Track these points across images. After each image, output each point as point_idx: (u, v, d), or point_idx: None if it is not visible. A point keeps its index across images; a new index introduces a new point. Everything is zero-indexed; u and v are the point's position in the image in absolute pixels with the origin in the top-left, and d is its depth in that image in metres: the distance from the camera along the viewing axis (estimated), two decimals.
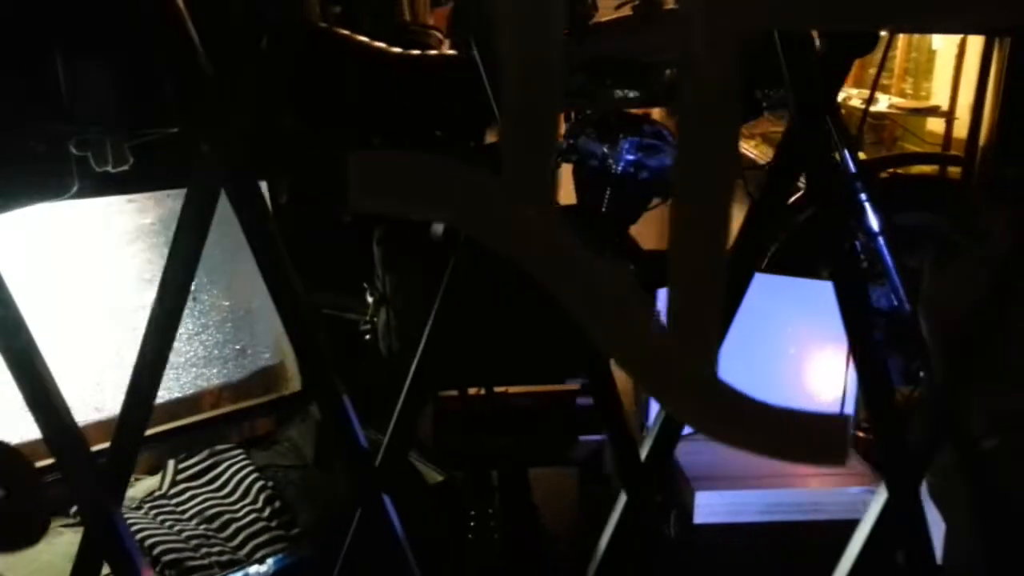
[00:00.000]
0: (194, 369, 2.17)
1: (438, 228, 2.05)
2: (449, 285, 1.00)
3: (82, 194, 1.39)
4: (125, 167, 1.29)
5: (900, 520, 1.06)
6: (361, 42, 2.44)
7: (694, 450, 1.90)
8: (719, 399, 0.50)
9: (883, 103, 4.71)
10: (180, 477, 2.02)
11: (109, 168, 1.27)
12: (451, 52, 2.64)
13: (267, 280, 1.00)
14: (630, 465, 1.02)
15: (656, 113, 3.01)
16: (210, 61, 0.90)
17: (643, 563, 1.08)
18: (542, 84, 0.47)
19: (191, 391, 2.17)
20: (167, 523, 1.87)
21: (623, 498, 1.04)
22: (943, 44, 4.84)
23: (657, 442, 1.01)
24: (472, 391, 2.14)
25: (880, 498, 1.04)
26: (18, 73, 1.18)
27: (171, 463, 2.05)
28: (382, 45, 2.48)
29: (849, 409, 2.13)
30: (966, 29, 3.74)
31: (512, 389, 2.18)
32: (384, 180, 0.47)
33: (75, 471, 1.04)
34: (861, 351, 1.02)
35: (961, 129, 4.21)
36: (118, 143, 1.24)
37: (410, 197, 0.48)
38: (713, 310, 0.48)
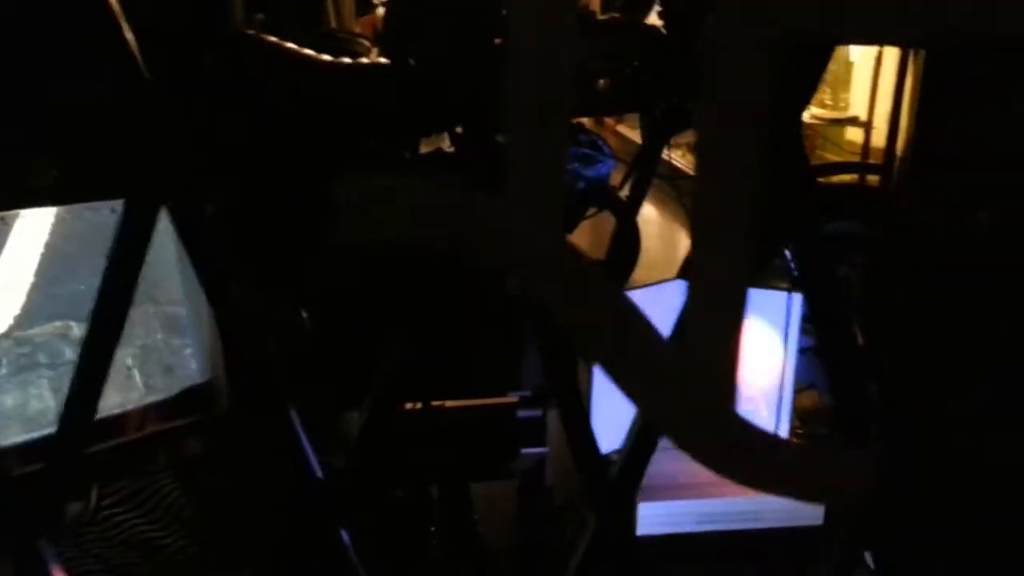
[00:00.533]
0: (119, 387, 2.08)
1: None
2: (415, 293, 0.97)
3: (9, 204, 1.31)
4: (49, 182, 1.22)
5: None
6: (290, 49, 2.38)
7: None
8: (735, 437, 0.48)
9: (804, 114, 4.82)
10: (106, 502, 1.94)
11: (34, 182, 1.20)
12: (383, 60, 2.60)
13: (209, 297, 0.96)
14: (600, 488, 1.01)
15: (587, 122, 3.02)
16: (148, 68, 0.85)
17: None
18: (552, 96, 0.44)
19: (116, 411, 2.07)
20: (94, 551, 1.79)
21: (592, 522, 1.03)
22: (860, 56, 4.99)
23: (627, 464, 0.99)
24: (408, 405, 2.11)
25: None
26: None
27: (95, 488, 1.96)
28: (311, 52, 2.43)
29: (785, 415, 2.17)
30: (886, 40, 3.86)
31: (450, 402, 2.15)
32: (378, 206, 0.44)
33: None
34: (834, 354, 1.02)
35: (879, 138, 4.35)
36: (44, 158, 1.17)
37: (406, 223, 0.45)
38: (734, 342, 0.47)
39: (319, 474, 0.97)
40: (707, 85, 0.47)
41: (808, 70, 0.93)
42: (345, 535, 0.99)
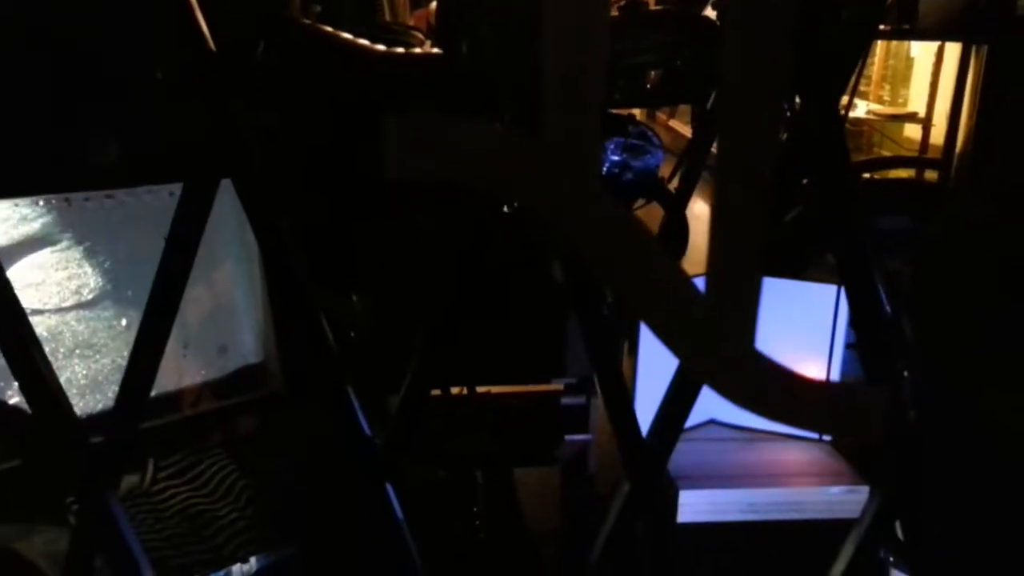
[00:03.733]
0: (175, 367, 2.15)
1: (426, 224, 2.05)
2: (459, 280, 1.00)
3: (66, 187, 1.37)
4: (112, 158, 1.27)
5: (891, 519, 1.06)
6: (345, 39, 2.43)
7: (678, 449, 1.91)
8: (758, 373, 0.50)
9: (861, 109, 4.77)
10: (162, 475, 2.00)
11: (95, 159, 1.25)
12: (435, 51, 2.64)
13: (269, 269, 1.00)
14: (635, 452, 1.02)
15: (638, 114, 3.02)
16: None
17: (653, 550, 1.08)
18: (589, 41, 0.46)
19: (172, 388, 2.14)
20: (148, 521, 1.85)
21: (626, 486, 1.04)
22: (920, 51, 4.90)
23: (660, 429, 1.01)
24: (455, 390, 2.14)
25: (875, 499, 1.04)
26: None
27: (152, 461, 2.02)
28: (366, 42, 2.48)
29: None
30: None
31: (496, 389, 2.17)
32: (423, 143, 0.46)
33: (73, 457, 1.03)
34: (871, 346, 1.02)
35: (938, 135, 4.27)
36: (105, 134, 1.22)
37: (449, 162, 0.47)
38: (754, 284, 0.48)
39: (368, 433, 1.00)
40: (723, 63, 0.49)
41: (842, 57, 0.92)
42: (391, 491, 1.02)
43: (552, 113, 0.48)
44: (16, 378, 1.00)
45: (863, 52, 0.99)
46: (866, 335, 1.01)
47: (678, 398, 1.00)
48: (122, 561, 1.05)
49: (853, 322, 1.03)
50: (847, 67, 0.97)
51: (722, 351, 0.49)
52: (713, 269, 0.47)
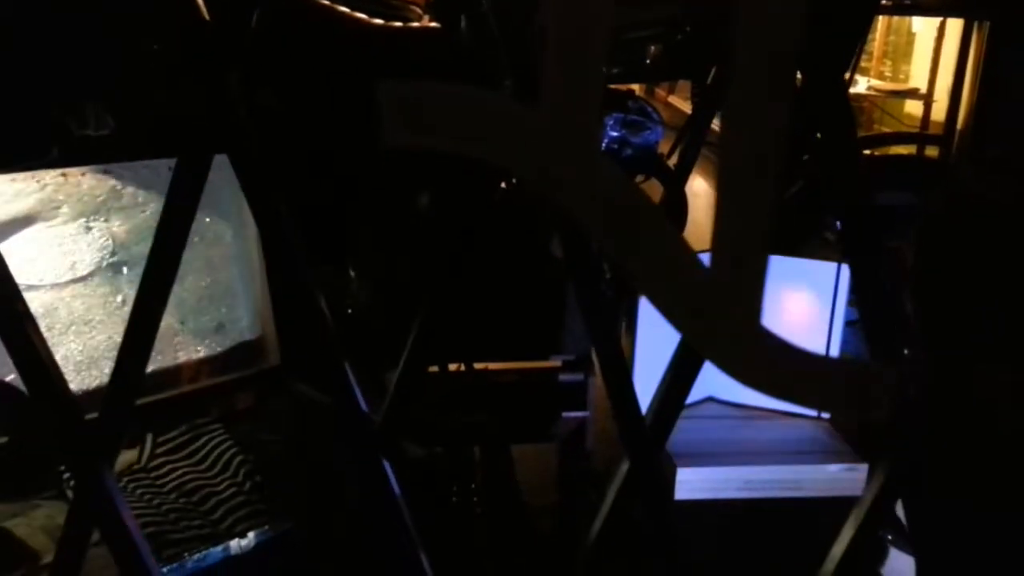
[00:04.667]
0: (172, 343, 2.14)
1: (423, 200, 2.04)
2: (454, 255, 0.99)
3: (61, 162, 1.36)
4: (106, 132, 1.26)
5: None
6: (343, 12, 2.40)
7: (676, 426, 1.91)
8: (765, 350, 0.49)
9: (862, 85, 4.74)
10: (159, 451, 2.00)
11: (90, 132, 1.24)
12: (434, 24, 2.61)
13: (266, 245, 0.99)
14: (634, 429, 1.02)
15: (637, 89, 2.99)
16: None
17: (654, 529, 1.08)
18: (592, 6, 0.45)
19: (169, 365, 2.14)
20: (146, 496, 1.85)
21: (625, 464, 1.04)
22: (922, 27, 4.87)
23: (661, 406, 1.00)
24: (452, 367, 2.13)
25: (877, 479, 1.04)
26: None
27: (149, 437, 2.02)
28: (363, 16, 2.45)
29: None
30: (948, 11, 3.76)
31: (493, 365, 2.17)
32: (419, 113, 0.45)
33: (66, 433, 1.02)
34: (877, 326, 1.00)
35: (939, 111, 4.25)
36: (99, 107, 1.20)
37: (446, 131, 0.46)
38: (760, 259, 0.47)
39: (364, 408, 0.99)
40: (736, 30, 0.47)
41: (847, 29, 0.90)
42: (388, 466, 1.02)
43: (553, 80, 0.46)
44: (11, 355, 0.99)
45: (869, 25, 0.98)
46: (871, 312, 1.00)
47: (679, 376, 0.99)
48: (118, 537, 1.04)
49: (858, 299, 1.02)
50: (853, 41, 0.96)
51: (728, 328, 0.48)
52: (719, 245, 0.46)
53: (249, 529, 1.77)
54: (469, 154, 0.51)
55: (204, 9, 0.88)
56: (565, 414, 2.18)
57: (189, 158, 1.00)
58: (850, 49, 0.94)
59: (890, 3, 3.68)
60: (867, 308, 1.00)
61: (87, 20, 1.17)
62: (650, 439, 1.00)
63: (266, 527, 1.79)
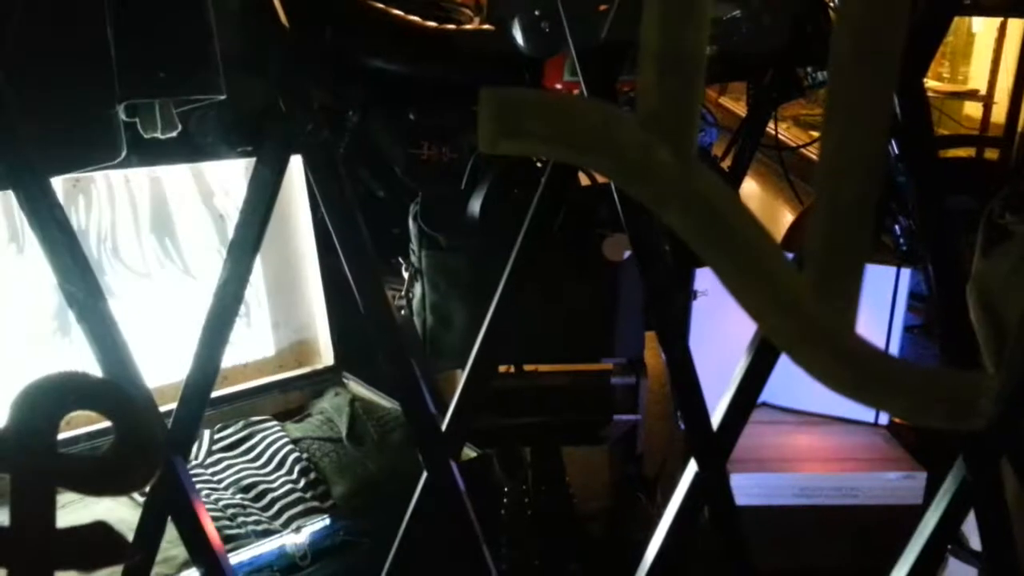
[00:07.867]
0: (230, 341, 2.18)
1: (475, 207, 2.04)
2: (518, 259, 0.99)
3: (129, 162, 1.38)
4: (173, 134, 1.28)
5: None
6: (396, 15, 2.43)
7: None
8: (859, 359, 0.48)
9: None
10: (216, 447, 2.03)
11: (158, 135, 1.26)
12: (487, 27, 2.62)
13: (341, 246, 0.99)
14: (702, 434, 1.01)
15: None
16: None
17: (723, 537, 1.07)
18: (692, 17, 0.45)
19: (226, 364, 2.17)
20: (203, 492, 1.88)
21: (692, 467, 1.03)
22: (982, 27, 4.76)
23: (730, 412, 1.00)
24: (503, 369, 2.14)
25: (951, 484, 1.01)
26: (65, 32, 1.17)
27: (207, 433, 2.06)
28: (416, 19, 2.47)
29: None
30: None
31: (544, 367, 2.17)
32: (522, 119, 0.45)
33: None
34: (952, 332, 0.99)
35: (999, 113, 4.15)
36: (167, 108, 1.23)
37: (545, 138, 0.45)
38: (858, 267, 0.46)
39: (433, 410, 1.00)
40: (838, 27, 0.47)
41: (928, 32, 0.89)
42: (457, 474, 1.02)
43: (650, 82, 0.46)
44: (91, 344, 1.01)
45: (948, 26, 0.96)
46: (950, 320, 0.98)
47: (748, 383, 0.98)
48: (191, 528, 1.07)
49: (937, 307, 1.00)
50: (933, 43, 0.94)
51: (823, 336, 0.47)
52: (815, 251, 0.46)
53: (303, 525, 1.79)
54: (567, 161, 0.51)
55: (284, 17, 0.89)
56: (616, 417, 2.17)
57: (265, 159, 1.01)
58: (932, 50, 0.92)
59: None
60: (944, 315, 0.98)
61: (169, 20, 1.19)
62: (719, 447, 1.00)
63: (322, 524, 1.81)
